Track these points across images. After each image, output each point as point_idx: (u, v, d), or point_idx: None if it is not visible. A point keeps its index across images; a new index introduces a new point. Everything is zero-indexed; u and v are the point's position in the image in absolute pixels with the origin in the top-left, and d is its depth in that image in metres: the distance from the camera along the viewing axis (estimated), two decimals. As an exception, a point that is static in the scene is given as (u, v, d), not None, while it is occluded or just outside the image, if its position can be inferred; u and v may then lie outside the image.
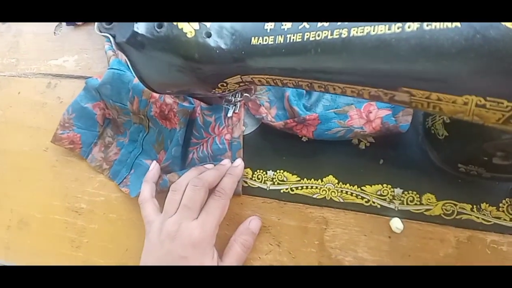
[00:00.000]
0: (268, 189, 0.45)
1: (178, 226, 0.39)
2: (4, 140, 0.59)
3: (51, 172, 0.55)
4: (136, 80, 0.47)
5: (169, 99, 0.47)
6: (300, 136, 0.45)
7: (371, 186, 0.41)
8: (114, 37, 0.27)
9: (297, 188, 0.44)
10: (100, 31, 0.28)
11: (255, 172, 0.46)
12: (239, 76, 0.28)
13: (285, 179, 0.44)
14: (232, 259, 0.41)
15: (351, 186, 0.42)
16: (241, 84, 0.29)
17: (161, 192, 0.46)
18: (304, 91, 0.45)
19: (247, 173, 0.46)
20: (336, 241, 0.41)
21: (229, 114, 0.47)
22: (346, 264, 0.40)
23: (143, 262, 0.40)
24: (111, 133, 0.53)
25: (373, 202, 0.41)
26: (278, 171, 0.45)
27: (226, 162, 0.46)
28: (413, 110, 0.39)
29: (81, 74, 0.58)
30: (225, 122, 0.47)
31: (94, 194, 0.52)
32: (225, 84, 0.28)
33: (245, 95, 0.46)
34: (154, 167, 0.47)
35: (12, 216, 0.55)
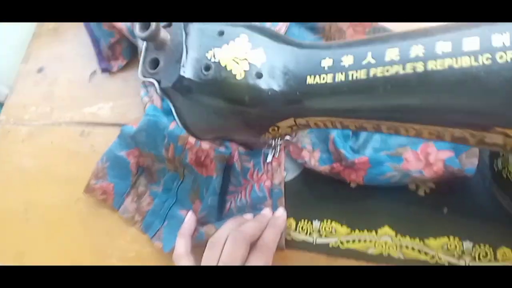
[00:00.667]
0: (314, 242, 0.41)
1: None
2: (35, 192, 0.57)
3: (81, 226, 0.52)
4: (172, 126, 0.45)
5: (205, 145, 0.44)
6: (348, 181, 0.41)
7: (435, 239, 0.36)
8: (159, 82, 0.25)
9: (348, 241, 0.39)
10: (144, 76, 0.26)
11: (299, 223, 0.42)
12: (292, 119, 0.25)
13: (333, 230, 0.40)
14: None
15: (412, 240, 0.37)
16: (294, 127, 0.26)
17: (197, 247, 0.42)
18: (351, 132, 0.42)
19: (290, 224, 0.42)
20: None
21: (269, 160, 0.44)
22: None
23: None
24: (144, 182, 0.51)
25: (440, 259, 0.36)
26: (325, 221, 0.41)
27: (267, 212, 0.42)
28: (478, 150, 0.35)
29: (115, 122, 0.57)
30: (264, 167, 0.44)
31: (125, 249, 0.49)
32: (276, 129, 0.26)
33: (286, 138, 0.43)
34: (190, 219, 0.44)
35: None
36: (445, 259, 0.35)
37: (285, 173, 0.44)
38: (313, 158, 0.43)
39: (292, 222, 0.42)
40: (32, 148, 0.61)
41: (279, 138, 0.41)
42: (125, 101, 0.58)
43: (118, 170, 0.51)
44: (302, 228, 0.42)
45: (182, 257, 0.40)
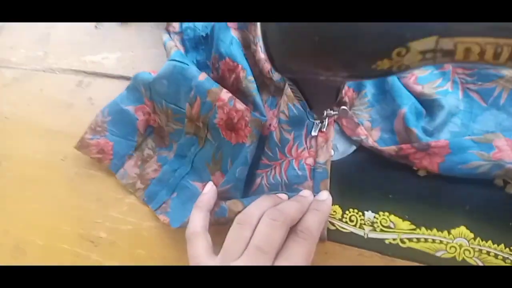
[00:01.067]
0: (366, 236, 0.33)
1: None
2: (10, 143, 0.47)
3: (65, 188, 0.43)
4: (202, 77, 0.37)
5: (240, 105, 0.36)
6: (416, 168, 0.33)
7: (526, 246, 0.29)
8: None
9: (410, 240, 0.32)
10: None
11: (347, 212, 0.34)
12: (435, 37, 0.17)
13: (392, 225, 0.33)
14: None
15: (495, 245, 0.30)
16: (428, 56, 0.18)
17: (216, 225, 0.34)
18: (424, 111, 0.34)
19: (335, 211, 0.34)
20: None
21: (314, 133, 0.37)
22: None
23: None
24: (152, 145, 0.42)
25: (532, 271, 0.29)
26: (381, 213, 0.33)
27: (307, 194, 0.34)
28: None
29: (122, 74, 0.47)
30: (306, 142, 0.36)
31: (119, 221, 0.40)
32: (403, 52, 0.18)
33: (342, 108, 0.36)
34: (210, 190, 0.35)
35: (5, 239, 0.42)
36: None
37: (332, 151, 0.36)
38: (371, 137, 0.35)
39: (338, 210, 0.34)
40: (16, 95, 0.51)
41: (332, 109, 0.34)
42: (136, 53, 0.49)
43: (122, 127, 0.42)
44: (350, 218, 0.34)
45: (199, 235, 0.32)
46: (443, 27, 0.17)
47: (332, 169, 0.35)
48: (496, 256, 0.30)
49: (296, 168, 0.36)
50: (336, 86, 0.26)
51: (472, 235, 0.31)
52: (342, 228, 0.34)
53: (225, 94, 0.36)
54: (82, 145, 0.42)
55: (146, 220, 0.39)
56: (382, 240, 0.32)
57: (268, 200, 0.32)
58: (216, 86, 0.37)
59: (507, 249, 0.30)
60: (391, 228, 0.32)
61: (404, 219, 0.32)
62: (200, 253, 0.31)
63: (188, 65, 0.38)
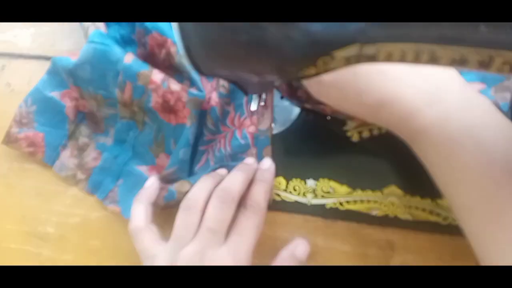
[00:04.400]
0: (309, 203, 0.35)
1: (201, 257, 0.29)
2: None
3: (0, 185, 0.40)
4: (128, 59, 0.35)
5: (175, 85, 0.35)
6: (349, 135, 0.35)
7: (449, 199, 0.33)
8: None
9: (348, 202, 0.34)
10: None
11: (291, 182, 0.35)
12: (358, 45, 0.17)
13: (331, 190, 0.35)
14: None
15: (423, 200, 0.33)
16: (352, 60, 0.18)
17: (167, 208, 0.34)
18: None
19: (279, 183, 0.36)
20: (405, 271, 0.32)
21: (253, 108, 0.37)
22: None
23: None
24: (87, 132, 0.40)
25: (453, 220, 0.32)
26: (321, 179, 0.35)
27: (251, 161, 0.35)
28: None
29: (40, 54, 0.43)
30: (247, 111, 0.36)
31: (65, 214, 0.39)
32: (328, 61, 0.18)
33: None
34: (151, 185, 0.35)
35: None
36: (459, 221, 0.32)
37: (273, 122, 0.37)
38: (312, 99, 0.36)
39: (282, 181, 0.36)
40: None
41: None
42: (52, 28, 0.44)
43: (50, 116, 0.40)
44: (294, 188, 0.35)
45: (142, 228, 0.32)
46: (365, 35, 0.17)
47: (275, 143, 0.36)
48: (423, 210, 0.33)
49: (239, 137, 0.36)
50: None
51: (402, 193, 0.33)
52: (287, 198, 0.35)
53: (157, 75, 0.35)
54: (10, 140, 0.39)
55: (93, 210, 0.38)
56: (324, 205, 0.35)
57: (209, 180, 0.33)
58: (146, 68, 0.35)
59: (434, 202, 0.33)
60: (330, 193, 0.35)
61: (342, 184, 0.35)
62: (148, 246, 0.31)
63: (110, 45, 0.35)
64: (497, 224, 0.23)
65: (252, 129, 0.36)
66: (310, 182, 0.35)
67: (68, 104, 0.39)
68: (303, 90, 0.35)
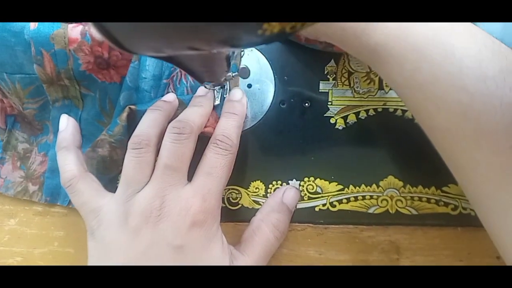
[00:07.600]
0: (295, 208, 0.29)
1: (162, 200, 0.25)
2: None
3: None
4: (33, 25, 0.28)
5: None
6: (332, 122, 0.30)
7: (456, 184, 0.28)
8: None
9: (340, 201, 0.29)
10: None
11: (270, 186, 0.30)
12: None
13: (319, 190, 0.29)
14: (257, 248, 0.26)
15: (426, 189, 0.28)
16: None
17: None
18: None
19: (257, 188, 0.30)
20: (416, 275, 0.27)
21: (217, 102, 0.31)
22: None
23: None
24: (24, 136, 0.34)
25: (464, 209, 0.27)
26: (306, 179, 0.30)
27: (203, 92, 0.30)
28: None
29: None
30: None
31: (4, 254, 0.32)
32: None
33: (242, 67, 0.30)
34: (67, 124, 0.29)
35: None
36: (471, 208, 0.27)
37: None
38: None
39: (261, 185, 0.30)
40: None
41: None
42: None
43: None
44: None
45: (78, 179, 0.26)
46: None
47: (247, 141, 0.30)
48: (428, 200, 0.28)
49: None
50: (224, 56, 0.20)
51: (401, 183, 0.28)
52: (268, 204, 0.30)
53: (74, 31, 0.29)
54: None
55: (36, 246, 0.32)
56: (312, 208, 0.29)
57: (157, 112, 0.27)
58: (58, 27, 0.28)
59: (438, 190, 0.28)
60: (318, 193, 0.29)
61: (330, 181, 0.29)
62: (89, 197, 0.26)
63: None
64: (476, 144, 0.20)
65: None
66: (294, 183, 0.30)
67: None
68: None
